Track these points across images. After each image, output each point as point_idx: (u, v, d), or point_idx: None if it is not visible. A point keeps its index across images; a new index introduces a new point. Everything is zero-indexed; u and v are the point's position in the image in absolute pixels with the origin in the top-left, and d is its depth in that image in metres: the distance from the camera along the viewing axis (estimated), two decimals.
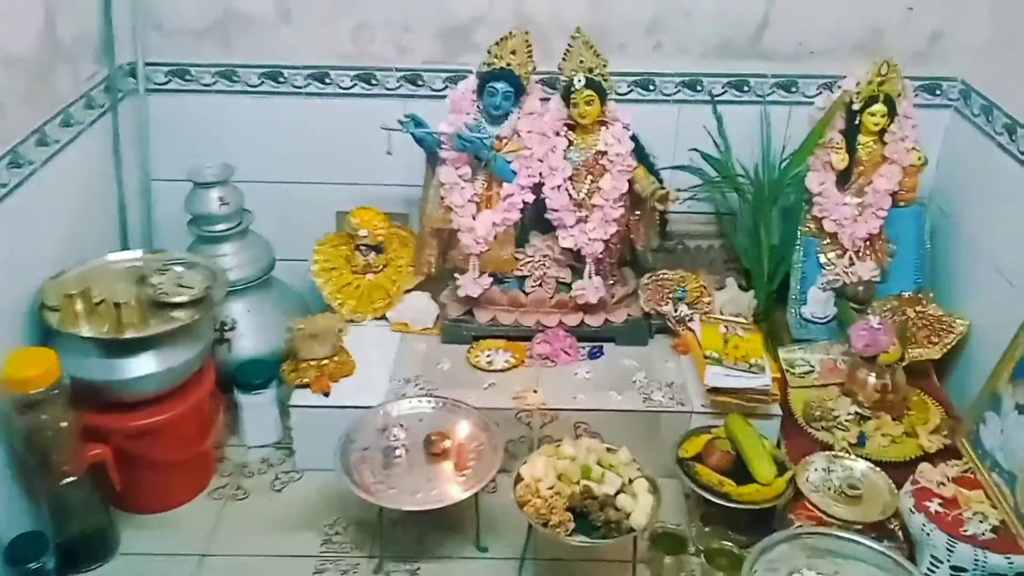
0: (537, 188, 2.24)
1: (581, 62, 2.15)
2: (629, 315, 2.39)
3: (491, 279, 2.32)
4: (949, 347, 2.25)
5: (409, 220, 2.58)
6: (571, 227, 2.25)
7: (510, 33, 2.13)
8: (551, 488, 1.80)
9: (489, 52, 2.15)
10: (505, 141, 2.20)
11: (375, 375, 2.25)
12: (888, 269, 2.36)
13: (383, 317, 2.45)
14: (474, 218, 2.24)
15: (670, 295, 2.39)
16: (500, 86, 2.14)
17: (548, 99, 2.29)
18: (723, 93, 2.41)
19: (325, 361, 2.21)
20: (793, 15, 2.32)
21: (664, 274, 2.41)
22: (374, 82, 2.42)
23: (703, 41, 2.36)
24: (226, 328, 2.33)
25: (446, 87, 2.40)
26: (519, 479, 1.85)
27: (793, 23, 2.33)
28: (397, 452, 1.93)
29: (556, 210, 2.24)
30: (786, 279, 2.40)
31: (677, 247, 2.56)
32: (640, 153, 2.25)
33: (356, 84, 2.42)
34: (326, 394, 2.16)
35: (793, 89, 2.41)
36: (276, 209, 2.56)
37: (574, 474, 1.84)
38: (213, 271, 2.07)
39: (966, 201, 2.35)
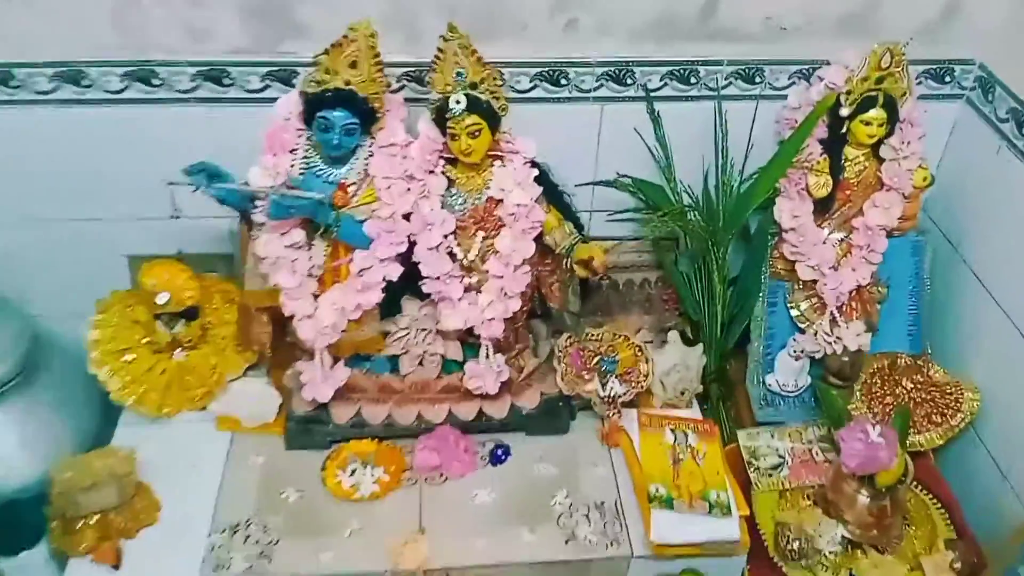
0: (406, 254, 1.55)
1: (459, 74, 1.42)
2: (543, 394, 1.78)
3: (349, 372, 1.65)
4: (957, 431, 1.73)
5: (235, 263, 1.86)
6: (458, 301, 1.58)
7: (345, 36, 1.37)
8: None
9: (317, 65, 1.39)
10: (353, 189, 1.49)
11: (189, 519, 1.59)
12: (876, 320, 1.80)
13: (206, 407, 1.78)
14: (316, 299, 1.55)
15: (595, 366, 1.77)
16: (337, 116, 1.40)
17: (416, 100, 1.59)
18: (662, 87, 1.73)
19: (111, 513, 1.54)
20: None
21: (588, 336, 1.79)
22: (156, 82, 1.63)
23: (634, 16, 1.65)
24: None
25: (266, 87, 1.65)
26: None
27: None
28: None
29: (435, 278, 1.56)
30: (746, 330, 1.83)
31: (602, 282, 1.93)
32: (551, 192, 1.58)
33: (129, 86, 1.63)
34: (116, 566, 1.51)
35: (757, 79, 1.74)
36: (40, 256, 1.83)
37: None
38: None
39: (974, 227, 1.79)
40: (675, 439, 1.64)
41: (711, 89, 1.74)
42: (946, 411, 1.74)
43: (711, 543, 1.51)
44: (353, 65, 1.38)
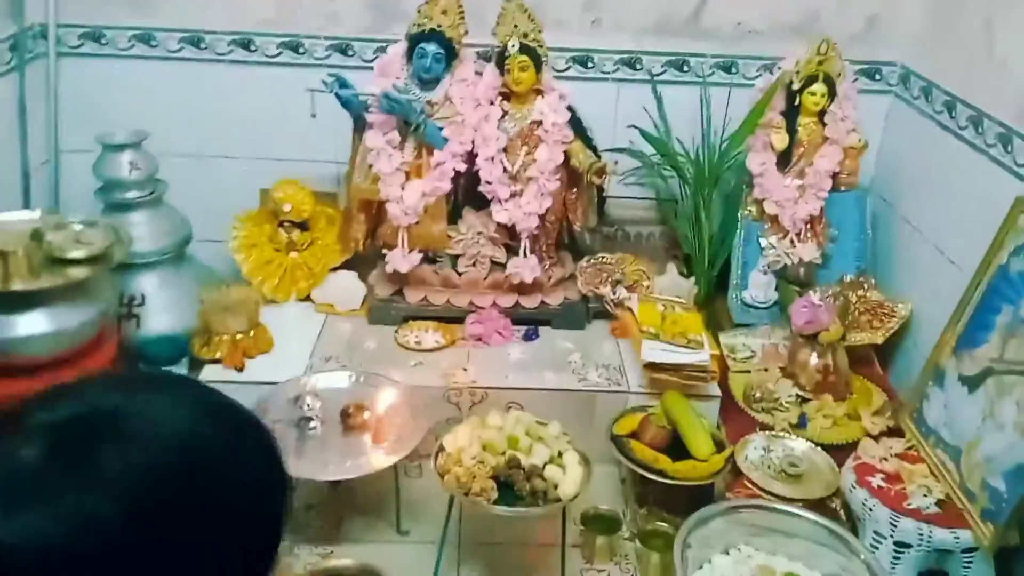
0: (470, 159, 2.15)
1: (515, 27, 2.07)
2: (566, 297, 2.30)
3: (421, 256, 2.20)
4: (892, 331, 2.19)
5: (338, 200, 2.46)
6: (505, 201, 2.15)
7: None
8: (474, 458, 1.68)
9: (419, 12, 2.06)
10: (436, 107, 2.11)
11: (294, 352, 2.11)
12: (830, 254, 2.31)
13: (308, 298, 2.33)
14: (403, 188, 2.13)
15: (609, 278, 2.29)
16: (430, 48, 2.05)
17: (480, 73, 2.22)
18: (663, 72, 2.36)
19: (240, 335, 2.06)
20: None
21: (603, 258, 2.32)
22: (301, 51, 2.32)
23: (641, 18, 2.31)
24: (134, 303, 2.17)
25: (377, 58, 2.31)
26: (441, 450, 1.72)
27: (731, 2, 2.29)
28: (311, 424, 1.79)
29: (490, 182, 2.14)
30: (727, 265, 2.34)
31: (617, 233, 2.49)
32: (577, 127, 2.18)
33: (282, 52, 2.32)
34: (240, 369, 2.02)
35: (733, 70, 2.36)
36: (195, 185, 2.42)
37: (500, 445, 1.71)
38: (116, 231, 1.91)
39: (908, 187, 2.32)
40: (664, 307, 2.14)
41: (698, 76, 2.36)
42: (883, 317, 2.20)
43: (687, 366, 1.97)
44: (444, 13, 2.04)
